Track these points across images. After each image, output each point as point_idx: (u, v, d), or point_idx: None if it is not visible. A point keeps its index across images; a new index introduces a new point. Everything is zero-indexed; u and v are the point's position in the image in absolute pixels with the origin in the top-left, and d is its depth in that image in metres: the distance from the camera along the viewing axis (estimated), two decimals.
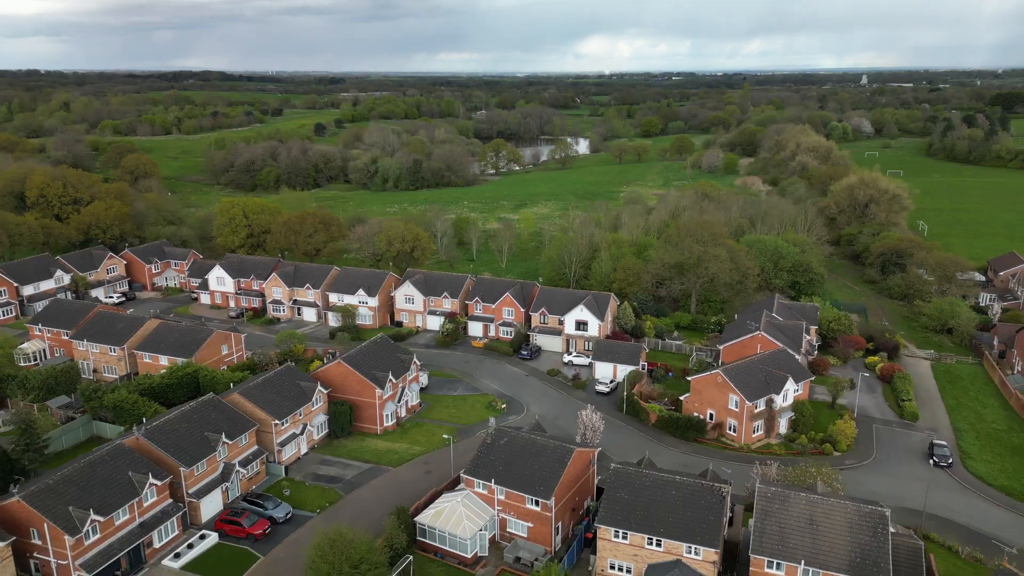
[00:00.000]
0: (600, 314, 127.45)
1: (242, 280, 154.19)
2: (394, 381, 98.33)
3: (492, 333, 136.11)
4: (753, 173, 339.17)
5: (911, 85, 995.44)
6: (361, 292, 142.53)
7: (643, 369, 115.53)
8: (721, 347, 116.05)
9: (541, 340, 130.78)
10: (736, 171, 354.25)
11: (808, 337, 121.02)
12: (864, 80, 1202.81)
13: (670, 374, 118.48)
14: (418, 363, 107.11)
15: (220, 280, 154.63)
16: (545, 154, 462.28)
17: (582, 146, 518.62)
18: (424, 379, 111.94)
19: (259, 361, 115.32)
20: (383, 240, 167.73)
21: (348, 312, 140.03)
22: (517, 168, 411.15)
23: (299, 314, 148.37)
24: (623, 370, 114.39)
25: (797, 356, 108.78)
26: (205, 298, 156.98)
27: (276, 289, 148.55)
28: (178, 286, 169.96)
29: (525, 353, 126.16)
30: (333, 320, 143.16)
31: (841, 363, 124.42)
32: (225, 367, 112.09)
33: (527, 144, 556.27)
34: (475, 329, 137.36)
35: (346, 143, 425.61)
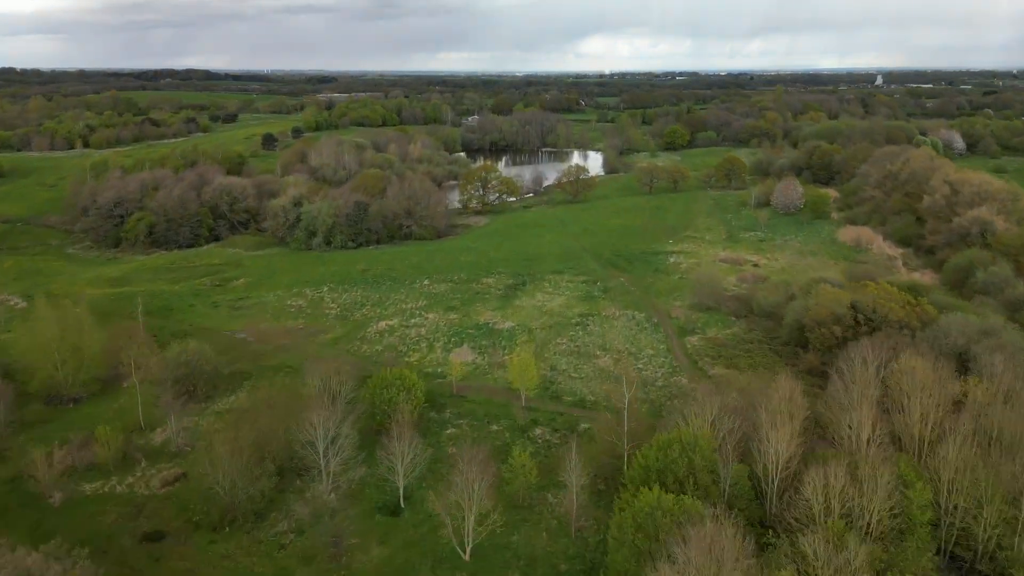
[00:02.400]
0: None
1: None
2: None
3: None
4: (857, 222, 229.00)
5: (931, 86, 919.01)
6: None
7: None
8: None
9: None
10: (825, 213, 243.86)
11: None
12: (879, 80, 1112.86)
13: None
14: None
15: None
16: (549, 176, 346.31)
17: (594, 161, 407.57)
18: None
19: None
20: None
21: None
22: (512, 199, 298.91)
23: None
24: None
25: None
26: None
27: None
28: None
29: None
30: None
31: None
32: None
33: (525, 158, 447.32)
34: None
35: (286, 165, 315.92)
